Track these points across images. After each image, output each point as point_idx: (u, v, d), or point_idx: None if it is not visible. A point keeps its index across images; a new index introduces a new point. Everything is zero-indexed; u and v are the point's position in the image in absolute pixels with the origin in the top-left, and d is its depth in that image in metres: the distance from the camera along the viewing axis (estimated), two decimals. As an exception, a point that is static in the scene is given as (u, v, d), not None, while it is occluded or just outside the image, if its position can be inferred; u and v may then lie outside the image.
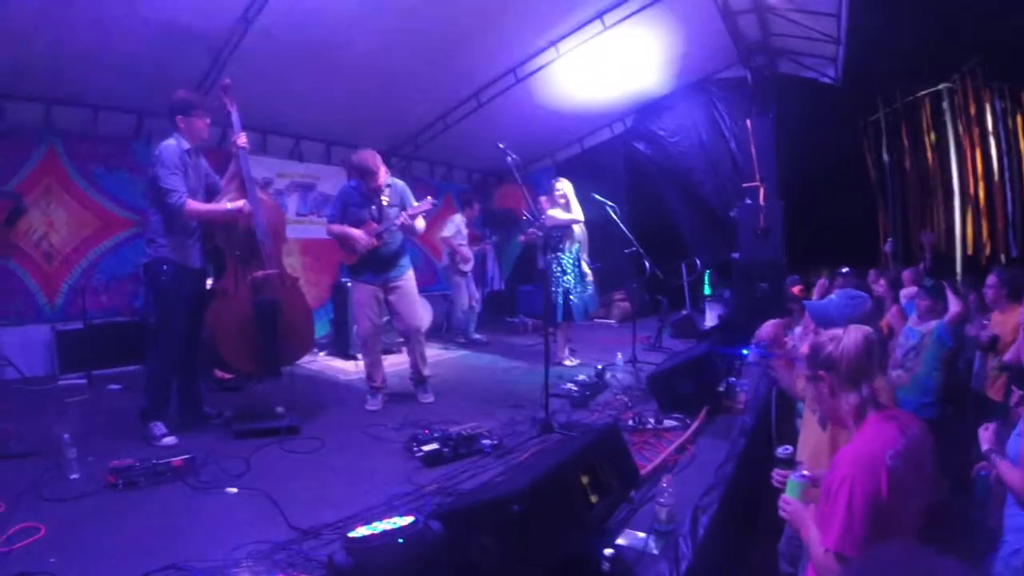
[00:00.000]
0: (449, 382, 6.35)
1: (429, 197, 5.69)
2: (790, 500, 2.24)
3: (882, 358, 2.26)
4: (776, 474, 2.54)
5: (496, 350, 8.54)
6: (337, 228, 5.58)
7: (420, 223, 5.63)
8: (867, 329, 2.24)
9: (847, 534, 1.89)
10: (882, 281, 6.78)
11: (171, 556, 2.86)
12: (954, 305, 4.51)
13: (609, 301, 10.63)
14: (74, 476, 3.83)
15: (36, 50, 5.68)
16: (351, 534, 2.26)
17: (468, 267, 9.06)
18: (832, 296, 3.46)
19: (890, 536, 1.84)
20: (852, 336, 2.19)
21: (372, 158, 5.50)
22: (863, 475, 1.93)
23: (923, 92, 8.97)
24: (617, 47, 8.39)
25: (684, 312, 9.59)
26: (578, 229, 7.17)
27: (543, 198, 7.58)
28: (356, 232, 5.49)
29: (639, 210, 10.05)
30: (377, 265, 5.61)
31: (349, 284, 7.54)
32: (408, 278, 5.78)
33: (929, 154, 9.18)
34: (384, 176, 5.56)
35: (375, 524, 2.27)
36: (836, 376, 2.19)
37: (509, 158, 5.23)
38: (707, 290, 10.44)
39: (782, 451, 2.65)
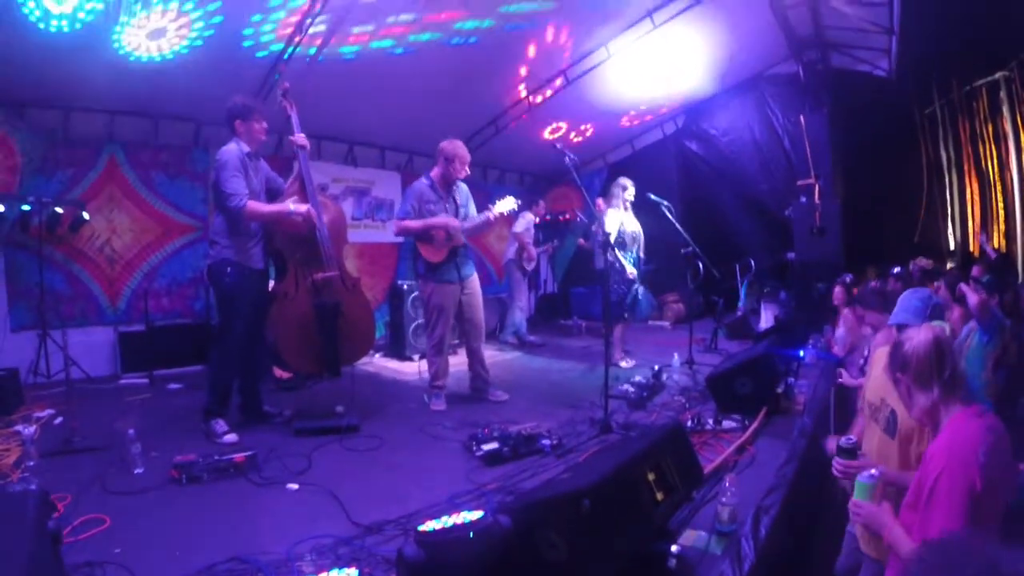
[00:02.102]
0: (505, 383, 6.29)
1: (510, 197, 5.72)
2: (862, 503, 2.18)
3: (955, 358, 2.17)
4: (837, 463, 2.49)
5: (550, 352, 8.52)
6: (419, 222, 5.48)
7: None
8: (938, 329, 2.23)
9: (956, 523, 1.86)
10: (941, 283, 6.59)
11: (234, 548, 2.90)
12: (971, 296, 4.34)
13: (663, 303, 10.51)
14: (138, 470, 3.92)
15: (96, 64, 5.79)
16: (421, 528, 2.24)
17: (531, 266, 9.08)
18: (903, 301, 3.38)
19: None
20: (922, 337, 2.17)
21: (464, 148, 5.65)
22: (960, 469, 1.90)
23: (980, 82, 8.68)
24: (667, 46, 8.30)
25: (739, 313, 9.45)
26: (638, 228, 7.23)
27: (600, 200, 7.57)
28: (450, 220, 5.51)
29: (692, 210, 9.91)
30: (457, 262, 5.62)
31: (405, 286, 7.60)
32: (476, 278, 5.86)
33: (988, 146, 8.88)
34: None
35: (444, 518, 2.26)
36: (908, 377, 2.17)
37: (567, 159, 5.24)
38: (741, 300, 10.19)
39: (845, 441, 2.58)
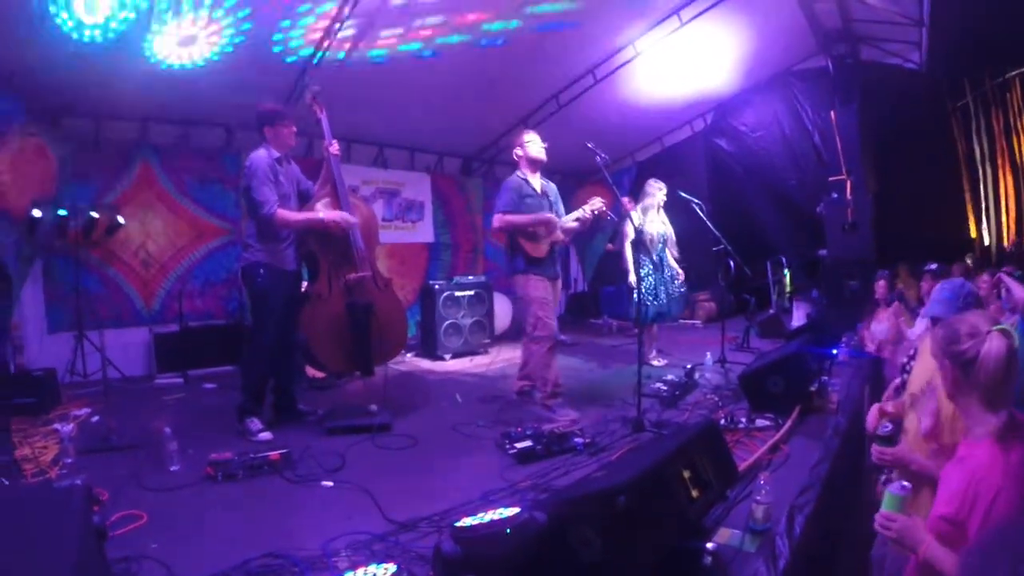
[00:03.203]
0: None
1: (597, 197, 5.65)
2: (895, 516, 2.04)
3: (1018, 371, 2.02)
4: (875, 451, 2.44)
5: (581, 351, 8.49)
6: (524, 216, 5.24)
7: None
8: (1010, 339, 2.01)
9: None
10: (984, 277, 6.47)
11: (270, 545, 2.91)
12: (1018, 291, 4.24)
13: (694, 301, 10.44)
14: (174, 468, 3.98)
15: (128, 71, 5.89)
16: (458, 524, 2.25)
17: None
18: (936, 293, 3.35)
19: None
20: (995, 346, 1.97)
21: (529, 131, 5.62)
22: (1013, 485, 1.84)
23: (1013, 73, 8.51)
24: (695, 43, 8.23)
25: (771, 311, 9.36)
26: (662, 229, 7.15)
27: (626, 199, 7.53)
28: (551, 218, 5.34)
29: (722, 208, 9.77)
30: (555, 260, 5.48)
31: (436, 286, 7.61)
32: (560, 280, 5.72)
33: (1022, 139, 8.71)
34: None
35: (481, 515, 2.26)
36: (968, 381, 2.02)
37: (598, 157, 5.16)
38: (788, 288, 10.12)
39: (882, 429, 2.54)
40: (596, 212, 5.41)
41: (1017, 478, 1.85)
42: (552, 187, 5.62)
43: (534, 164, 5.46)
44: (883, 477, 3.20)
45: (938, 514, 2.01)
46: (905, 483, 2.13)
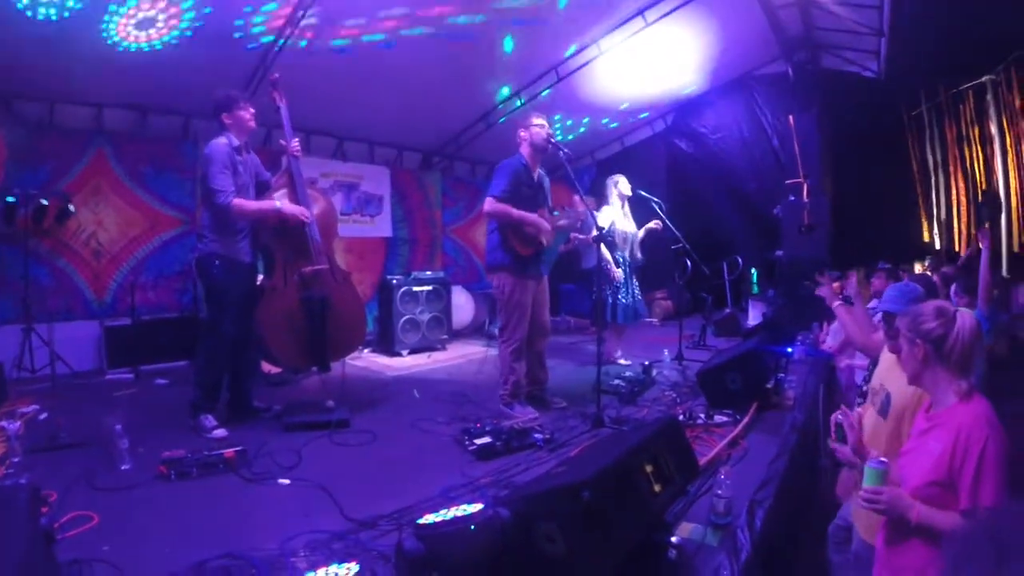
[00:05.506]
0: (494, 378, 6.29)
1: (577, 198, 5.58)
2: (881, 489, 2.12)
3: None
4: (866, 493, 2.47)
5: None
6: (517, 213, 5.02)
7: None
8: (974, 315, 2.22)
9: (1002, 488, 1.95)
10: (935, 277, 6.62)
11: (226, 545, 2.85)
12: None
13: (651, 300, 10.47)
14: (126, 466, 3.87)
15: (84, 54, 5.73)
16: (420, 520, 2.22)
17: None
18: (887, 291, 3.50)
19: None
20: (967, 322, 2.16)
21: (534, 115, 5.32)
22: (998, 434, 1.99)
23: (966, 85, 8.76)
24: (658, 44, 8.28)
25: (727, 311, 9.47)
26: (632, 228, 7.16)
27: (578, 198, 7.55)
28: (543, 223, 5.15)
29: (680, 208, 9.83)
30: (542, 259, 5.33)
31: (394, 281, 7.52)
32: (546, 278, 5.54)
33: (974, 148, 8.96)
34: None
35: (443, 511, 2.23)
36: (939, 355, 2.15)
37: (561, 153, 5.08)
38: (755, 288, 10.29)
39: (876, 463, 2.56)
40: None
41: (997, 426, 2.01)
42: (546, 180, 5.46)
43: (537, 151, 5.23)
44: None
45: (925, 481, 2.10)
46: (883, 458, 2.23)
